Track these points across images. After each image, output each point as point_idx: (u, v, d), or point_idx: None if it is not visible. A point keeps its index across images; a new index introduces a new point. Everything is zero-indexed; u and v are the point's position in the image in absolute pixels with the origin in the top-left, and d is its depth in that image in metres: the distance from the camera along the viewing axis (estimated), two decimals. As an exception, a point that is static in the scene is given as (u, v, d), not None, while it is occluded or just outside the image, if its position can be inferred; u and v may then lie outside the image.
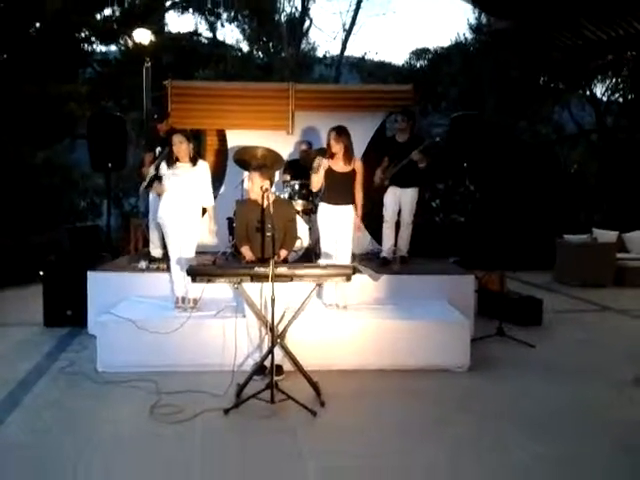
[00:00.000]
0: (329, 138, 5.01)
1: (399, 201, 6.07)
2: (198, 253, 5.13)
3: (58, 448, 3.25)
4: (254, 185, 4.46)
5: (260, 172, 4.50)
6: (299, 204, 5.97)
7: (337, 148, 4.97)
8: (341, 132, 4.99)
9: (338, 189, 5.06)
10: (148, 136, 6.23)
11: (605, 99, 14.22)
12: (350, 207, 5.11)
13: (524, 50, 11.88)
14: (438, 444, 3.35)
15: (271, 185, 4.70)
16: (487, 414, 3.78)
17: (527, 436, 3.45)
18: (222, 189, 7.07)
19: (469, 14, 16.74)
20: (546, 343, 5.39)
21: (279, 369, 4.15)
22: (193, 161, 4.93)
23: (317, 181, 5.05)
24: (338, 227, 5.10)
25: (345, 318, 4.75)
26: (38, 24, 10.00)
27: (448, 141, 7.38)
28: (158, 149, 5.85)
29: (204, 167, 5.01)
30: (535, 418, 3.72)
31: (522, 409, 3.88)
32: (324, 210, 5.14)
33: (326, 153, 5.05)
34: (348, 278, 4.00)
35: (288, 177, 6.39)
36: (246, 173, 6.45)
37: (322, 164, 4.96)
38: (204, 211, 5.11)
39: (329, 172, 5.02)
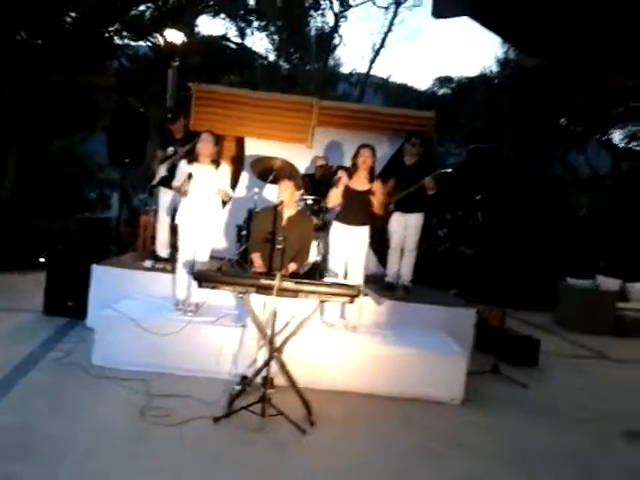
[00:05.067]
0: (357, 154, 5.00)
1: (404, 227, 6.03)
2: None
3: (46, 435, 3.28)
4: (284, 193, 4.48)
5: (293, 182, 4.54)
6: (310, 220, 5.98)
7: (363, 164, 4.96)
8: (374, 150, 5.03)
9: (354, 209, 5.02)
10: (163, 134, 6.29)
11: (622, 145, 14.28)
12: (365, 228, 5.08)
13: (548, 90, 11.95)
14: (426, 477, 3.35)
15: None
16: (478, 451, 3.78)
17: (514, 477, 3.46)
18: (234, 196, 7.10)
19: (497, 48, 16.84)
20: (539, 385, 5.37)
21: (271, 383, 4.15)
22: (215, 163, 4.92)
23: (335, 196, 5.00)
24: (351, 248, 5.07)
25: (343, 339, 4.75)
26: (74, 14, 10.11)
27: (463, 172, 7.37)
28: (171, 149, 5.89)
29: (226, 170, 5.02)
30: (524, 459, 3.73)
31: (512, 449, 3.88)
32: (338, 230, 5.11)
33: (347, 170, 5.04)
34: (352, 299, 4.00)
35: (301, 191, 6.41)
36: (261, 183, 6.54)
37: (343, 179, 4.94)
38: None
39: (347, 191, 4.98)
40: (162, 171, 5.80)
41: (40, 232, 8.41)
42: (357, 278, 5.03)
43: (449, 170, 6.34)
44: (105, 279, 5.38)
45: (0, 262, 7.75)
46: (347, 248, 5.09)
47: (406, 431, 3.96)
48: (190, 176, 4.77)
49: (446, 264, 8.36)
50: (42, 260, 5.97)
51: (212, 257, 5.75)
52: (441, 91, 16.99)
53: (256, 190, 6.40)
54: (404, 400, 4.45)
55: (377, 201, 5.06)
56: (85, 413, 3.67)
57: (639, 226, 11.59)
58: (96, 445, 3.25)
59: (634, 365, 6.69)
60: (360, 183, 5.04)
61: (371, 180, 5.05)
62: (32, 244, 8.02)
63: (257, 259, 4.62)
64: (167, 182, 5.55)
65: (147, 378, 4.20)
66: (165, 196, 5.94)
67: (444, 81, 17.11)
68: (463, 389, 4.57)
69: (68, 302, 5.75)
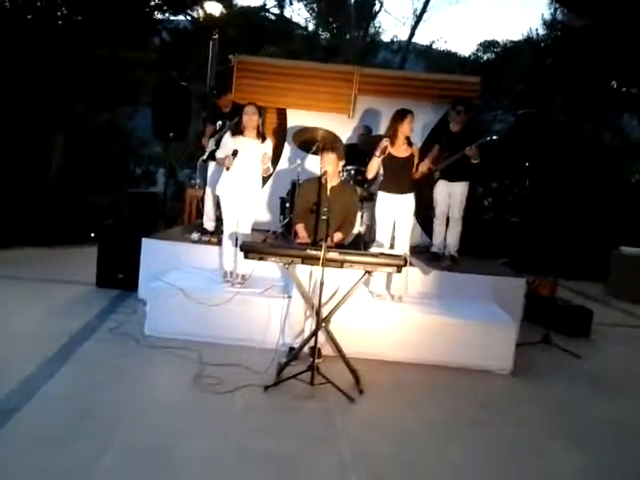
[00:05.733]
0: (400, 120, 4.87)
1: (449, 196, 5.91)
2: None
3: (101, 403, 3.38)
4: (328, 165, 4.47)
5: (337, 153, 4.51)
6: (354, 190, 5.92)
7: (407, 131, 4.89)
8: (414, 116, 4.92)
9: (398, 176, 4.95)
10: (211, 109, 6.30)
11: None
12: (410, 196, 5.01)
13: (599, 51, 11.39)
14: (471, 443, 3.34)
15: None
16: (524, 419, 3.74)
17: (561, 445, 3.40)
18: (277, 168, 7.10)
19: (544, 9, 16.18)
20: (592, 355, 5.26)
21: (318, 352, 4.18)
22: (262, 137, 4.89)
23: (375, 165, 4.93)
24: (397, 217, 5.01)
25: (390, 309, 4.73)
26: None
27: (510, 138, 7.15)
28: (219, 123, 5.93)
29: (270, 144, 5.01)
30: (572, 428, 3.67)
31: (560, 418, 3.82)
32: (384, 200, 5.03)
33: (388, 137, 4.94)
34: (399, 269, 3.97)
35: (344, 162, 6.34)
36: (303, 155, 6.52)
37: (388, 147, 4.84)
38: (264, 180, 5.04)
39: (389, 158, 4.90)
40: (211, 145, 5.84)
41: (88, 207, 8.63)
42: (404, 247, 4.99)
43: (494, 137, 6.14)
44: (154, 252, 5.49)
45: (52, 237, 8.02)
46: (394, 217, 5.03)
47: (452, 400, 3.95)
48: (235, 153, 4.76)
49: (493, 233, 8.19)
50: (92, 235, 6.11)
51: (256, 229, 5.82)
52: (485, 56, 16.45)
53: (298, 162, 6.38)
54: (451, 370, 4.44)
55: (415, 167, 5.02)
56: (139, 381, 3.79)
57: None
58: (150, 412, 3.34)
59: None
60: (401, 150, 4.96)
61: (410, 146, 4.98)
62: (81, 219, 8.24)
63: (301, 230, 4.63)
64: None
65: (197, 348, 4.29)
66: (214, 170, 6.02)
67: (488, 46, 16.55)
68: (512, 359, 4.50)
69: (119, 275, 5.90)
